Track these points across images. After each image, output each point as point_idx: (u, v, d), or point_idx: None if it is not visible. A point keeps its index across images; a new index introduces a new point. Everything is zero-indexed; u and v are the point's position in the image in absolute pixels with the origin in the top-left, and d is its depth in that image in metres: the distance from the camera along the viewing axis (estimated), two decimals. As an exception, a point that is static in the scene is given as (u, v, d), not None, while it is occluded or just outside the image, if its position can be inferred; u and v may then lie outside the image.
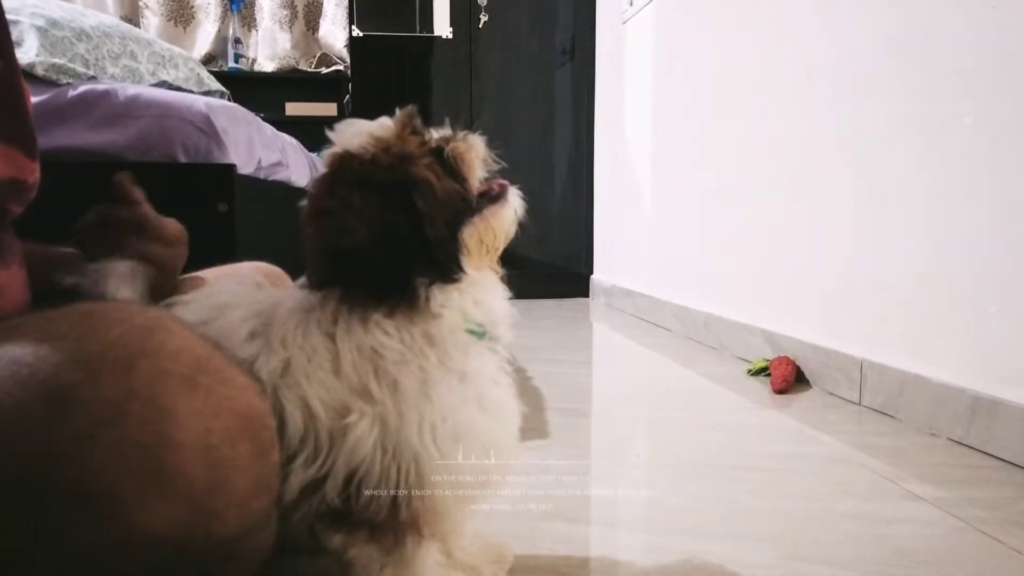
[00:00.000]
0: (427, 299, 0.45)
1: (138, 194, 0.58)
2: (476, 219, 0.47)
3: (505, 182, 0.50)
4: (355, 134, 0.47)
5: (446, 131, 0.49)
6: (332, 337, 0.44)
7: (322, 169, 0.47)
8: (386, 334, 0.44)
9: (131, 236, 0.57)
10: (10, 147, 0.44)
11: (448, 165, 0.47)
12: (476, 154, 0.49)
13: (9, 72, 0.44)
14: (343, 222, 0.44)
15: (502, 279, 0.50)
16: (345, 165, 0.46)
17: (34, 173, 0.46)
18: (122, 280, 0.48)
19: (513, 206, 0.49)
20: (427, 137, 0.48)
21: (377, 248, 0.44)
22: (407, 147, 0.46)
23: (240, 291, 0.49)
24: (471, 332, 0.47)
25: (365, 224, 0.44)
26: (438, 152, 0.47)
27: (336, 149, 0.47)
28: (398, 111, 0.49)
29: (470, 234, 0.47)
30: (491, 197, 0.49)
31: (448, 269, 0.45)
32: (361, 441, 0.43)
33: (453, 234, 0.46)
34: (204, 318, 0.44)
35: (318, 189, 0.46)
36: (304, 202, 0.47)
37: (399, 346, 0.44)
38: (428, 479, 0.43)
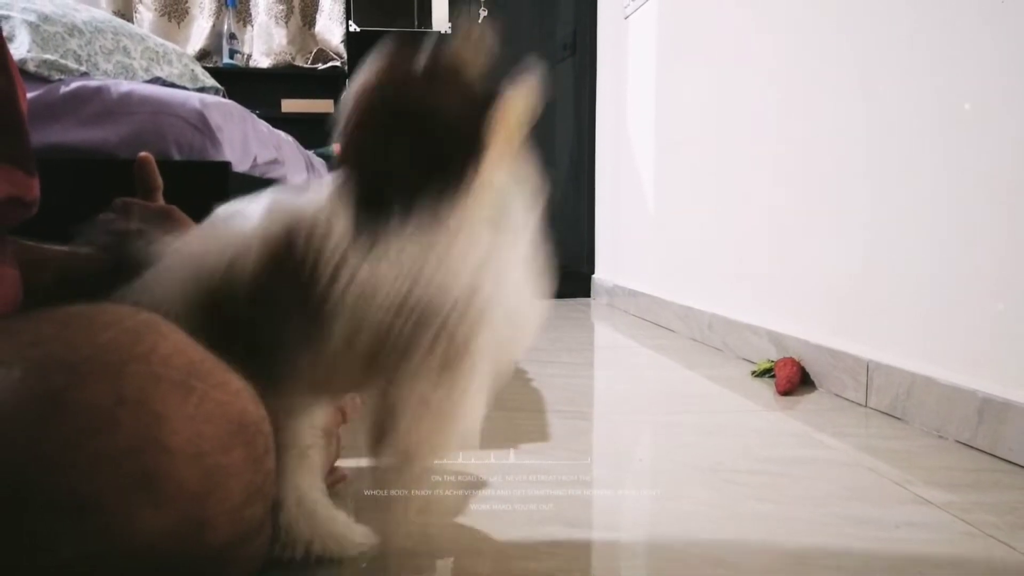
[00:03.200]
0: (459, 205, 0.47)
1: (159, 179, 0.58)
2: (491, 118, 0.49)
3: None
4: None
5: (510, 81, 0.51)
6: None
7: (369, 76, 0.48)
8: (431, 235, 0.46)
9: (155, 228, 0.56)
10: (8, 166, 0.43)
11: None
12: (516, 118, 0.51)
13: (9, 87, 0.42)
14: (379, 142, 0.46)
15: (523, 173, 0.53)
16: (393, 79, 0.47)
17: (32, 190, 0.45)
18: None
19: (522, 96, 0.51)
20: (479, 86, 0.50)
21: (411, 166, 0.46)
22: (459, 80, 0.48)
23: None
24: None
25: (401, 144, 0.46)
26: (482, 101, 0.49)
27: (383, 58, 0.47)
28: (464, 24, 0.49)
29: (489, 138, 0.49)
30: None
31: (467, 177, 0.47)
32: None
33: (473, 149, 0.48)
34: None
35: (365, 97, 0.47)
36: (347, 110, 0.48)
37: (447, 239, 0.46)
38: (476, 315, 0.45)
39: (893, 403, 1.07)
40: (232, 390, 0.38)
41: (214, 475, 0.35)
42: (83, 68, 1.28)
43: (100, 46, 1.37)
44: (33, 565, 0.32)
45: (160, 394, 0.35)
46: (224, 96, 1.61)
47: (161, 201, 0.58)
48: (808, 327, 1.31)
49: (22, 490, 0.32)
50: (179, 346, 0.37)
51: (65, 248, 0.59)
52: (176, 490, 0.34)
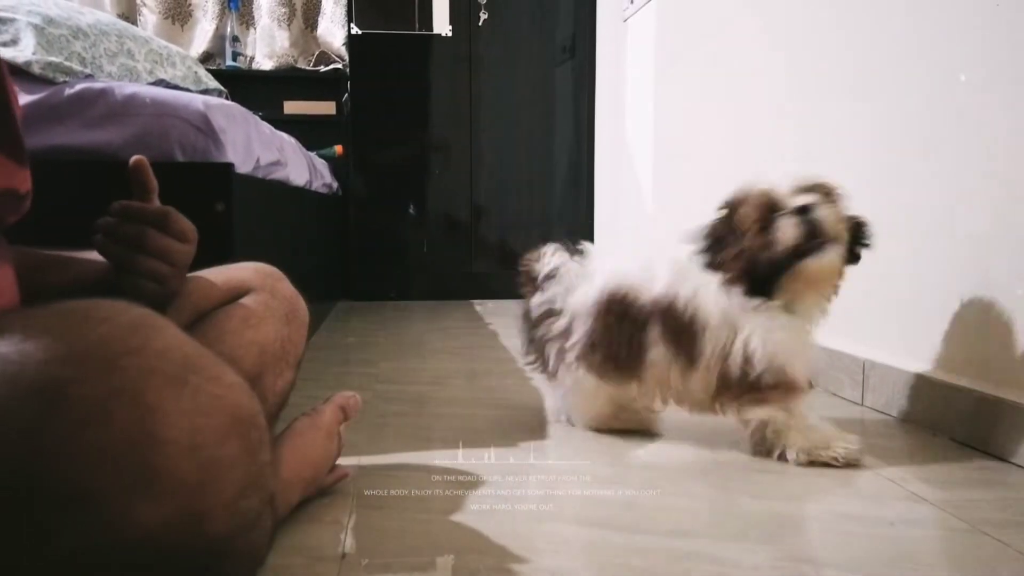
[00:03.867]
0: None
1: (154, 182, 0.56)
2: (799, 265, 0.84)
3: (829, 238, 0.83)
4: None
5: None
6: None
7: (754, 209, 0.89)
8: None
9: (152, 230, 0.55)
10: None
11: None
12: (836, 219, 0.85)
13: None
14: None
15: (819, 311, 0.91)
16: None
17: (25, 182, 0.44)
18: None
19: (828, 258, 0.84)
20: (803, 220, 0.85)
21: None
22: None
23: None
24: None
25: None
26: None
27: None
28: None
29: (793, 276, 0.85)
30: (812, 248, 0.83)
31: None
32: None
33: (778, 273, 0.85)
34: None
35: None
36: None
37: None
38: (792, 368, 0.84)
39: (889, 402, 1.08)
40: (226, 384, 0.38)
41: (210, 468, 0.35)
42: (87, 70, 1.29)
43: (104, 48, 1.38)
44: (31, 559, 0.32)
45: (154, 387, 0.34)
46: (227, 98, 1.62)
47: (157, 203, 0.57)
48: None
49: (19, 484, 0.32)
50: (173, 341, 0.37)
51: (66, 253, 0.59)
52: (172, 482, 0.34)
